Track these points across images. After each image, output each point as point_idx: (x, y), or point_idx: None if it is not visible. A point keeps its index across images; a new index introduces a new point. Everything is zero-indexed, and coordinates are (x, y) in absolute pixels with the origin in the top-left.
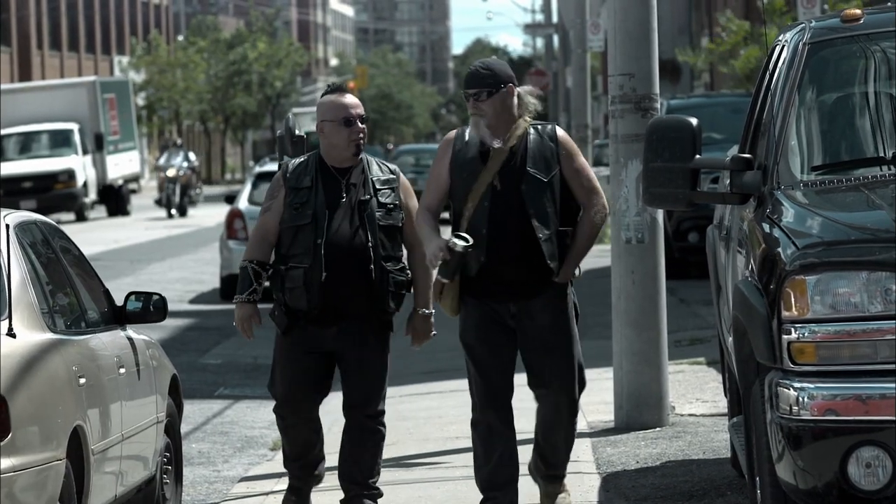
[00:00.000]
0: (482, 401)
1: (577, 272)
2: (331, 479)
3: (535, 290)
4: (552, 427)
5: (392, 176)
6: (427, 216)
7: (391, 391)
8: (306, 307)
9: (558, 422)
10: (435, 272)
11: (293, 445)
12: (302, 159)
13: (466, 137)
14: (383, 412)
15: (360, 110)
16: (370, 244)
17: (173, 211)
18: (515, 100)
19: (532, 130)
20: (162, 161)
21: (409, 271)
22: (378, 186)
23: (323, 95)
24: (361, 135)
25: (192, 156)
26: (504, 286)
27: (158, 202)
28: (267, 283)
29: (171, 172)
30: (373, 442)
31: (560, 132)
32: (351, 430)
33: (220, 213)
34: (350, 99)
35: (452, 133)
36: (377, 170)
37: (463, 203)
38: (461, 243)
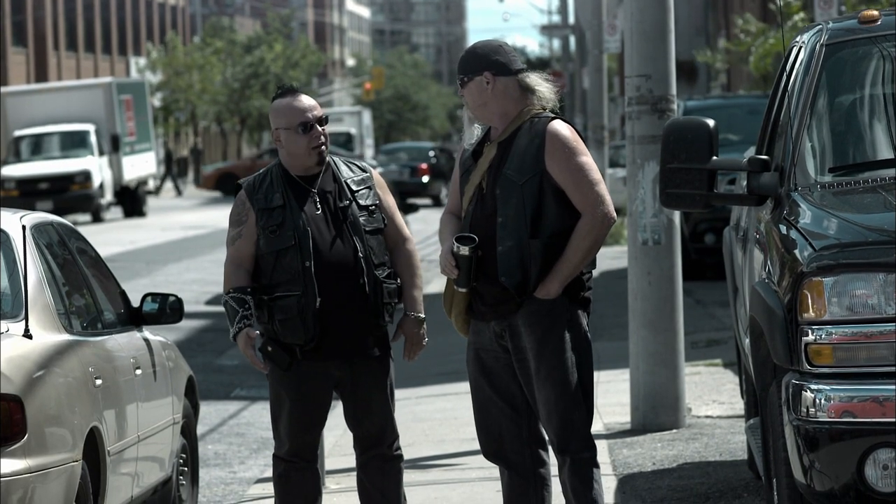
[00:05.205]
0: (485, 447)
1: (586, 292)
2: None
3: (518, 305)
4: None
5: (365, 174)
6: (448, 219)
7: (406, 392)
8: (303, 339)
9: (562, 482)
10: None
11: (296, 499)
12: (259, 174)
13: (476, 132)
14: (398, 436)
15: (318, 112)
16: (361, 255)
17: None
18: (510, 91)
19: (528, 124)
20: None
21: (397, 276)
22: (354, 188)
23: (274, 99)
24: (322, 139)
25: None
26: (484, 303)
27: None
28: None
29: None
30: (395, 469)
31: (553, 126)
32: (371, 460)
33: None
34: (305, 101)
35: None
36: (347, 170)
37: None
38: (465, 246)
